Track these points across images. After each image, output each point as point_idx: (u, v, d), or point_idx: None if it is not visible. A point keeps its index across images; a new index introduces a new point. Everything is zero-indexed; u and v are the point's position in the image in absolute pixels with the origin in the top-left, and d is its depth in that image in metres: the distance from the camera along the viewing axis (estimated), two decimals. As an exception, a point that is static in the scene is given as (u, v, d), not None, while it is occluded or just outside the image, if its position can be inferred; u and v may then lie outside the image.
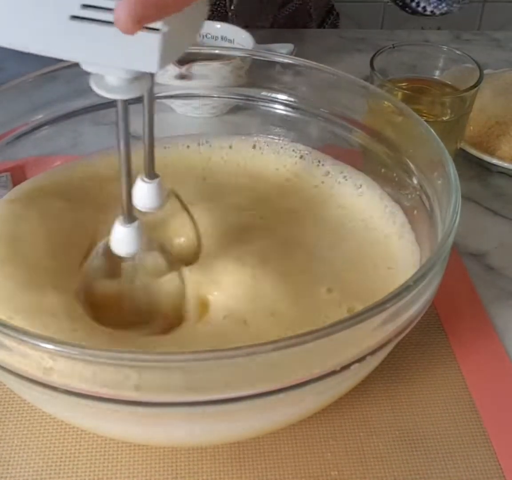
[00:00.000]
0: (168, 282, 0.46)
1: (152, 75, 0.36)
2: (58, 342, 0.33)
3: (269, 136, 0.60)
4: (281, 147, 0.60)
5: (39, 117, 0.55)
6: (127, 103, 0.36)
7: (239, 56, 0.61)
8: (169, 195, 0.46)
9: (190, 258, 0.49)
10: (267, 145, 0.60)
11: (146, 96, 0.40)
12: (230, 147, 0.60)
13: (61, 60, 0.52)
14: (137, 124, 0.60)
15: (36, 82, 0.52)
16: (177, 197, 0.48)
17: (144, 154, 0.43)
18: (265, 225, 0.52)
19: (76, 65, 0.52)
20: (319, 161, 0.58)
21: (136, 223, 0.41)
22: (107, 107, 0.55)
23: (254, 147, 0.60)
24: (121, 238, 0.41)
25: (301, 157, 0.59)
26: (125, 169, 0.39)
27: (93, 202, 0.53)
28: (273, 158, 0.60)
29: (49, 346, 0.33)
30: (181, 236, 0.49)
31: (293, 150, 0.60)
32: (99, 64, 0.33)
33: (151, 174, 0.44)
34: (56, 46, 0.32)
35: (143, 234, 0.42)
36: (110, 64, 0.32)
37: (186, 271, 0.47)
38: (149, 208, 0.44)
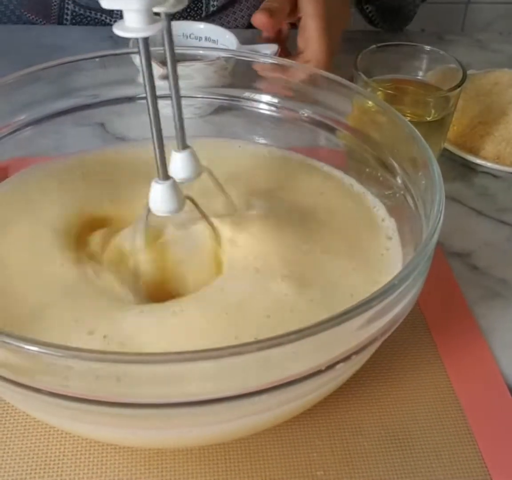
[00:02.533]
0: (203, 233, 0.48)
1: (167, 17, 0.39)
2: (41, 343, 0.33)
3: (254, 136, 0.61)
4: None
5: (22, 118, 0.54)
6: (147, 41, 0.35)
7: (223, 57, 0.61)
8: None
9: None
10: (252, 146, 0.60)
11: (167, 48, 0.41)
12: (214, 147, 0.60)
13: (45, 60, 0.52)
14: (124, 127, 0.61)
15: (18, 83, 0.51)
16: (211, 174, 0.49)
17: (174, 124, 0.43)
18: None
19: (59, 65, 0.52)
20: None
21: (171, 180, 0.41)
22: (89, 108, 0.55)
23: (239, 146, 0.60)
24: (160, 196, 0.41)
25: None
26: (154, 117, 0.38)
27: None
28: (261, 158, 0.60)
29: (34, 348, 0.33)
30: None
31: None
32: None
33: (184, 143, 0.44)
34: None
35: (181, 194, 0.42)
36: None
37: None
38: (184, 180, 0.45)
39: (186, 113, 0.43)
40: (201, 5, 0.96)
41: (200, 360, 0.33)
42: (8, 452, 0.46)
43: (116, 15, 0.95)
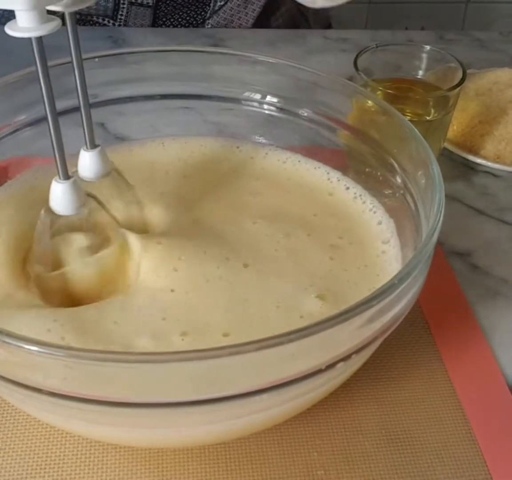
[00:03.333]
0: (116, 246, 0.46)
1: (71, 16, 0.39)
2: (40, 343, 0.33)
3: (254, 136, 0.61)
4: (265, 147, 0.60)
5: (22, 118, 0.54)
6: (41, 41, 0.36)
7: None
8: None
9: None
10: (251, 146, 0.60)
11: (73, 52, 0.42)
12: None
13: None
14: (124, 126, 0.61)
15: (18, 83, 0.51)
16: (119, 174, 0.48)
17: (82, 121, 0.43)
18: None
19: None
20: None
21: (72, 180, 0.41)
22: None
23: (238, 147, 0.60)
24: (60, 196, 0.41)
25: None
26: (50, 111, 0.39)
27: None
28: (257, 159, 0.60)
29: (33, 348, 0.33)
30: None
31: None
32: None
33: (92, 142, 0.44)
34: None
35: (82, 192, 0.41)
36: None
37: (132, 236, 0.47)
38: (92, 178, 0.45)
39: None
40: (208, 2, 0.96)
41: (199, 359, 0.33)
42: (8, 452, 0.46)
43: (120, 19, 0.95)
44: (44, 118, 0.55)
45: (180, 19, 0.97)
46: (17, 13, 0.34)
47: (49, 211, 0.42)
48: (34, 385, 0.35)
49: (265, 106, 0.60)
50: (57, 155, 0.40)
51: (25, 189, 0.54)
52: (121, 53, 0.57)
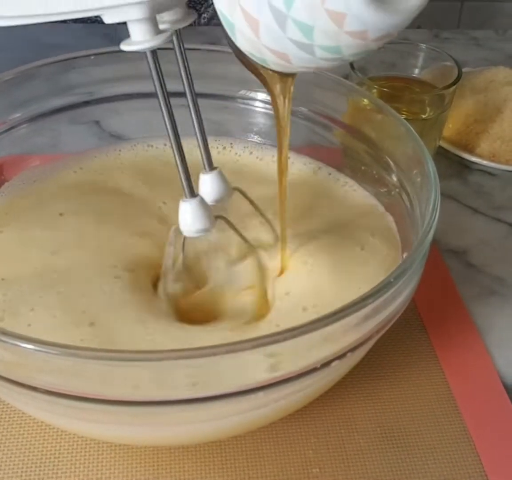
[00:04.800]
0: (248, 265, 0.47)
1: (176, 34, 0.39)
2: (36, 341, 0.33)
3: (249, 134, 0.61)
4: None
5: (18, 115, 0.54)
6: (156, 54, 0.36)
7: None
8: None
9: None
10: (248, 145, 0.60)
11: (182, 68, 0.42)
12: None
13: (41, 57, 0.52)
14: (120, 125, 0.61)
15: (14, 80, 0.51)
16: (243, 194, 0.48)
17: (198, 144, 0.43)
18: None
19: (55, 63, 0.52)
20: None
21: (198, 198, 0.40)
22: (85, 106, 0.55)
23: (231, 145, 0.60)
24: (187, 216, 0.40)
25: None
26: (171, 130, 0.38)
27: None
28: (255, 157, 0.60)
29: (29, 346, 0.33)
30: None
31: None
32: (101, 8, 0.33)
33: (210, 163, 0.44)
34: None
35: (210, 212, 0.41)
36: (113, 3, 0.33)
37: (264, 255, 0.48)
38: (215, 202, 0.44)
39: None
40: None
41: (196, 357, 0.33)
42: (3, 450, 0.46)
43: None
44: (40, 116, 0.55)
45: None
46: (130, 29, 0.34)
47: (179, 231, 0.42)
48: (30, 383, 0.35)
49: (261, 104, 0.60)
50: (181, 173, 0.39)
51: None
52: (116, 50, 0.56)
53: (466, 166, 0.74)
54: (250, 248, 0.48)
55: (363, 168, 0.55)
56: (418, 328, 0.55)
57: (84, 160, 0.57)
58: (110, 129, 0.61)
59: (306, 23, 0.30)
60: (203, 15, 0.97)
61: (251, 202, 0.48)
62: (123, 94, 0.58)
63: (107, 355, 0.33)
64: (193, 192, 0.40)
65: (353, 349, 0.38)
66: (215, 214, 0.42)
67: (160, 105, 0.37)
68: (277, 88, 0.40)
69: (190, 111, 0.43)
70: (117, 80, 0.57)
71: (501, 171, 0.73)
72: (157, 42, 0.34)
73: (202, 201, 0.40)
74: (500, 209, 0.69)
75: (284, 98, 0.40)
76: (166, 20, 0.38)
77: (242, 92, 0.59)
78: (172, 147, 0.38)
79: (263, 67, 0.36)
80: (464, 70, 0.67)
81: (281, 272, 0.48)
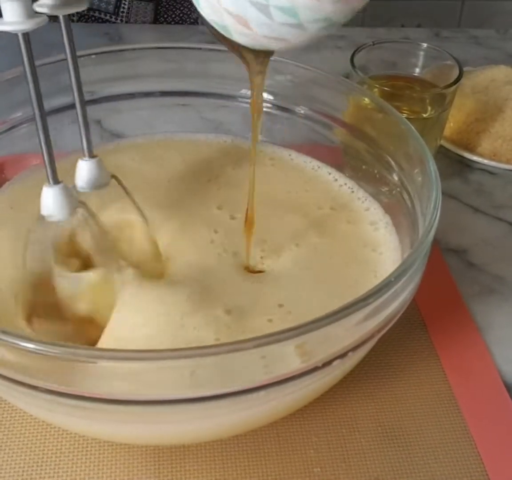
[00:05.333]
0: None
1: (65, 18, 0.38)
2: (36, 340, 0.33)
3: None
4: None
5: (18, 115, 0.54)
6: (28, 37, 0.35)
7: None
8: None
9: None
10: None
11: (68, 50, 0.41)
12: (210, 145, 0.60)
13: (42, 56, 0.52)
14: (121, 124, 0.61)
15: (15, 79, 0.51)
16: (119, 182, 0.47)
17: (79, 130, 0.43)
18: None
19: (55, 62, 0.52)
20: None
21: (61, 184, 0.40)
22: (86, 105, 0.55)
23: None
24: (50, 201, 0.40)
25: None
26: (39, 115, 0.38)
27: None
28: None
29: (30, 346, 0.33)
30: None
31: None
32: None
33: (90, 151, 0.43)
34: None
35: (74, 198, 0.41)
36: None
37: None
38: (90, 188, 0.44)
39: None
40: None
41: (197, 356, 0.33)
42: (5, 450, 0.46)
43: (121, 14, 0.95)
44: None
45: (181, 15, 0.98)
46: (2, 7, 0.34)
47: (41, 219, 0.41)
48: (30, 383, 0.35)
49: (262, 103, 0.59)
50: (46, 159, 0.39)
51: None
52: (117, 50, 0.57)
53: (467, 165, 0.74)
54: (107, 243, 0.46)
55: (363, 167, 0.55)
56: (419, 327, 0.55)
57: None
58: (111, 128, 0.61)
59: None
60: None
61: (126, 191, 0.47)
62: (124, 93, 0.59)
63: (107, 355, 0.33)
64: (56, 179, 0.40)
65: (354, 348, 0.38)
66: (79, 201, 0.42)
67: (28, 86, 0.37)
68: (255, 67, 0.41)
69: (74, 96, 0.43)
70: (117, 79, 0.57)
71: (502, 170, 0.73)
72: (28, 25, 0.34)
73: (65, 187, 0.40)
74: (501, 208, 0.69)
75: (259, 75, 0.42)
76: (46, 3, 0.37)
77: (243, 91, 0.59)
78: (38, 132, 0.38)
79: (229, 40, 0.36)
80: (465, 69, 0.67)
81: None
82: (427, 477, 0.46)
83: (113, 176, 0.46)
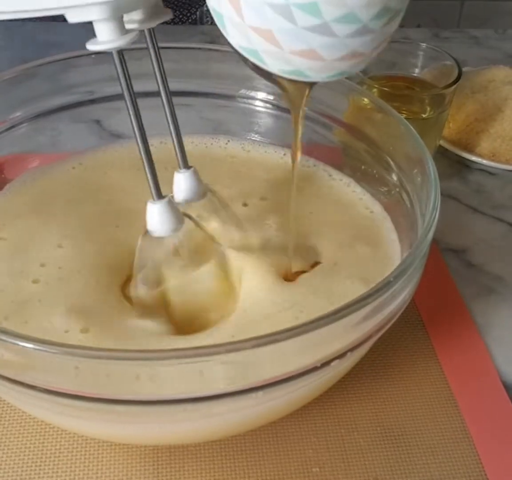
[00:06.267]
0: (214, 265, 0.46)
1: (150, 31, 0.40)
2: (36, 340, 0.33)
3: (249, 133, 0.61)
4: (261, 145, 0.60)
5: (18, 114, 0.54)
6: (122, 54, 0.36)
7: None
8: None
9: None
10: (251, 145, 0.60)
11: (158, 75, 0.43)
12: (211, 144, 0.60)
13: (41, 56, 0.52)
14: (120, 124, 0.61)
15: (14, 79, 0.51)
16: (214, 193, 0.47)
17: (172, 143, 0.43)
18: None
19: (55, 62, 0.52)
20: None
21: (166, 199, 0.40)
22: (85, 105, 0.55)
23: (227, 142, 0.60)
24: (155, 217, 0.40)
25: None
26: (138, 132, 0.38)
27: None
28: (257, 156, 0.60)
29: (28, 345, 0.33)
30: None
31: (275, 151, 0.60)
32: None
33: (185, 162, 0.44)
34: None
35: (178, 212, 0.41)
36: (76, 3, 0.32)
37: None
38: (188, 201, 0.44)
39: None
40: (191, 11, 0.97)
41: (196, 357, 0.33)
42: (4, 449, 0.46)
43: None
44: (40, 115, 0.55)
45: (181, 15, 0.98)
46: (96, 28, 0.34)
47: (147, 234, 0.42)
48: (29, 382, 0.35)
49: (261, 103, 0.60)
50: (149, 176, 0.39)
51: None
52: (117, 49, 0.56)
53: (466, 165, 0.74)
54: (216, 246, 0.47)
55: (363, 167, 0.55)
56: (418, 327, 0.55)
57: (84, 158, 0.57)
58: (111, 128, 0.61)
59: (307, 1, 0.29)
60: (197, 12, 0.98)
61: (222, 203, 0.48)
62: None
63: (107, 355, 0.33)
64: (160, 194, 0.40)
65: (353, 348, 0.38)
66: (183, 213, 0.42)
67: (127, 106, 0.37)
68: (296, 98, 0.39)
69: (164, 110, 0.43)
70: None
71: (501, 170, 0.73)
72: (122, 42, 0.34)
73: (170, 201, 0.40)
74: (500, 208, 0.69)
75: (300, 106, 0.40)
76: (134, 19, 0.37)
77: (242, 91, 0.59)
78: (139, 150, 0.38)
79: (265, 71, 0.35)
80: (464, 69, 0.67)
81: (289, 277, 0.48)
82: (426, 477, 0.46)
83: (208, 188, 0.46)
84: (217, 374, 0.35)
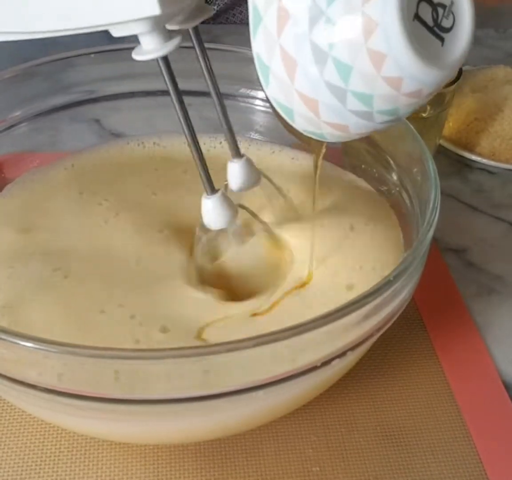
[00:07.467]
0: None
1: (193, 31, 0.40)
2: (35, 339, 0.33)
3: (250, 133, 0.61)
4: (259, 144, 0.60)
5: (17, 114, 0.54)
6: (167, 59, 0.35)
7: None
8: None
9: None
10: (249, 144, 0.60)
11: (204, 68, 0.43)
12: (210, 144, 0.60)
13: (41, 55, 0.52)
14: (120, 123, 0.61)
15: (14, 78, 0.51)
16: (269, 180, 0.49)
17: (224, 134, 0.44)
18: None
19: (54, 61, 0.52)
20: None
21: (219, 192, 0.40)
22: (85, 104, 0.55)
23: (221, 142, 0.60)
24: (209, 211, 0.41)
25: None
26: (188, 132, 0.38)
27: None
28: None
29: (28, 344, 0.33)
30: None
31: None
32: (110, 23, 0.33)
33: (237, 152, 0.44)
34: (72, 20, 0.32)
35: (232, 204, 0.41)
36: (119, 19, 0.32)
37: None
38: (246, 188, 0.45)
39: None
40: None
41: (196, 356, 0.33)
42: (4, 449, 0.46)
43: None
44: (40, 114, 0.55)
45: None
46: (140, 38, 0.34)
47: (204, 226, 0.43)
48: (29, 382, 0.35)
49: (261, 103, 0.60)
50: (201, 171, 0.39)
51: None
52: (117, 49, 0.57)
53: (466, 164, 0.74)
54: (268, 231, 0.49)
55: (363, 166, 0.55)
56: (418, 326, 0.55)
57: (84, 158, 0.57)
58: (111, 127, 0.61)
59: (366, 93, 0.31)
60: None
61: (276, 186, 0.49)
62: (123, 92, 0.58)
63: (106, 354, 0.33)
64: (213, 188, 0.40)
65: (353, 348, 0.38)
66: (238, 204, 0.43)
67: (175, 108, 0.37)
68: (315, 147, 0.42)
69: (215, 104, 0.44)
70: (117, 78, 0.57)
71: (501, 169, 0.73)
72: (167, 49, 0.34)
73: (223, 195, 0.41)
74: (500, 208, 0.69)
75: (320, 153, 0.43)
76: (177, 19, 0.37)
77: (242, 90, 0.59)
78: (190, 149, 0.38)
79: (290, 125, 0.36)
80: (464, 68, 0.67)
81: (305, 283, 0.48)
82: (425, 476, 0.46)
83: (264, 175, 0.47)
84: (215, 374, 0.35)
